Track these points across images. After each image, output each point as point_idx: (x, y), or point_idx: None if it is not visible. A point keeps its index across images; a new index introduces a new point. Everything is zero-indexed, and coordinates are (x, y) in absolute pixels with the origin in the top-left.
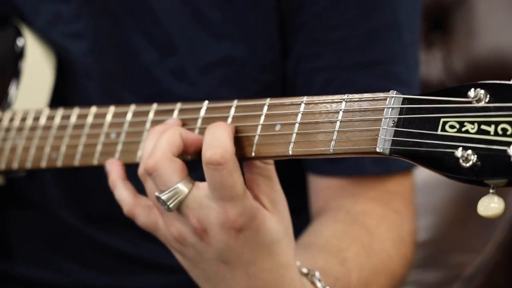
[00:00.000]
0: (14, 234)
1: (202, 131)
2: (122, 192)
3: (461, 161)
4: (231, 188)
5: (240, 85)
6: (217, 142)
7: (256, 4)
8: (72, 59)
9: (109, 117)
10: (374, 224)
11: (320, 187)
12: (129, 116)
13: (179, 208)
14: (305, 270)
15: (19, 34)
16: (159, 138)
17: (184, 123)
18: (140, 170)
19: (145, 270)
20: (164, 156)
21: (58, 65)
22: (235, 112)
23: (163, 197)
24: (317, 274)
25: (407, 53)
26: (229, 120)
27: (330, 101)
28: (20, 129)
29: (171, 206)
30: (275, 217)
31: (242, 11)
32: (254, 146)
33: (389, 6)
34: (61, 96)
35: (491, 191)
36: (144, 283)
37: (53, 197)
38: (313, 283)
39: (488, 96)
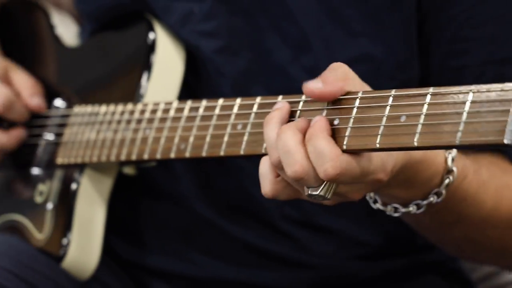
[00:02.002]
0: (147, 224)
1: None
2: (268, 172)
3: None
4: (360, 176)
5: (376, 83)
6: (322, 158)
7: (395, 2)
8: (204, 56)
9: (235, 109)
10: None
11: None
12: (255, 108)
13: None
14: None
15: (151, 28)
16: (283, 141)
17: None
18: (274, 161)
19: (277, 266)
20: (305, 158)
21: (190, 61)
22: (359, 103)
23: (321, 193)
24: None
25: None
26: (354, 110)
27: (457, 92)
28: (150, 120)
29: (329, 197)
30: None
31: (380, 9)
32: (379, 137)
33: None
34: (192, 92)
35: None
36: (275, 279)
37: (186, 188)
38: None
39: None
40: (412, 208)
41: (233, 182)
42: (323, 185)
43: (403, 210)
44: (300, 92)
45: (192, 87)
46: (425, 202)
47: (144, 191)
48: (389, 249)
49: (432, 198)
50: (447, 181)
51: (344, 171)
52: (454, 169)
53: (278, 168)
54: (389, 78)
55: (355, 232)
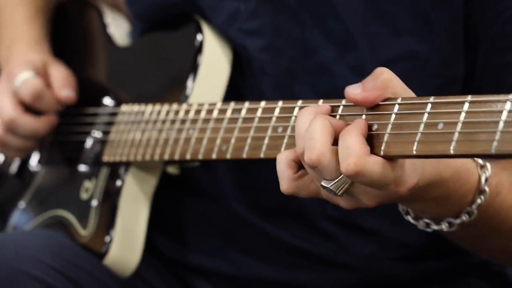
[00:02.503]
0: (190, 223)
1: None
2: (285, 169)
3: None
4: (379, 182)
5: (422, 81)
6: (348, 152)
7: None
8: (249, 55)
9: (277, 112)
10: None
11: None
12: (296, 111)
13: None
14: None
15: (199, 29)
16: (312, 127)
17: (333, 110)
18: (300, 152)
19: (316, 266)
20: (325, 148)
21: (235, 61)
22: (398, 109)
23: (331, 187)
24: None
25: None
26: (392, 117)
27: (495, 100)
28: (194, 121)
29: (339, 193)
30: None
31: (426, 6)
32: (416, 144)
33: None
34: (236, 91)
35: None
36: (314, 279)
37: (226, 189)
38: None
39: None
40: (444, 226)
41: (273, 182)
42: (336, 180)
43: (435, 227)
44: (343, 90)
45: (236, 85)
46: (458, 221)
47: (187, 190)
48: (430, 250)
49: (465, 218)
50: (478, 201)
51: (365, 171)
52: (487, 189)
53: (302, 158)
54: (434, 76)
55: (397, 233)
